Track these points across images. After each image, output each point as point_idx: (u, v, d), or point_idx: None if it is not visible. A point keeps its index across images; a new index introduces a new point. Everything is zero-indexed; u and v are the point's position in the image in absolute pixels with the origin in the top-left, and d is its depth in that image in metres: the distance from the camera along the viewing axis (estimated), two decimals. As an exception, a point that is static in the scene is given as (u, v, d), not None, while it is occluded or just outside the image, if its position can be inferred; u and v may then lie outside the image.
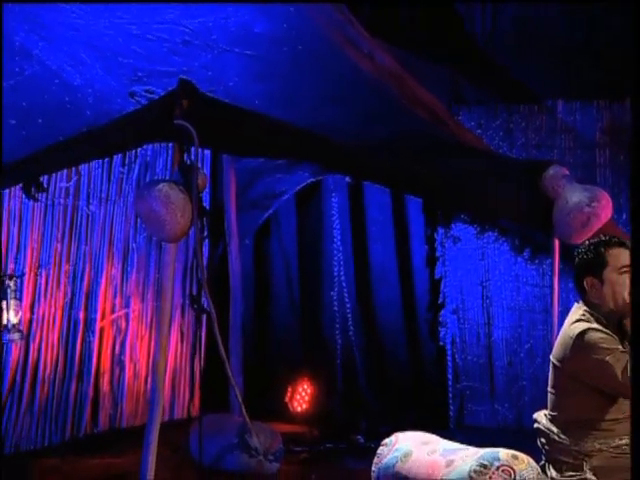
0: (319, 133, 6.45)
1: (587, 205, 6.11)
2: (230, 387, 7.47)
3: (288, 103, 6.79)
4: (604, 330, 4.25)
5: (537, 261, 7.74)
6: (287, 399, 8.84)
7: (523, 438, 4.46)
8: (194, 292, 5.24)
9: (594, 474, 4.19)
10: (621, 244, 4.41)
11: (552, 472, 4.32)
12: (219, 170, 8.60)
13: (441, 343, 8.38)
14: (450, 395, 8.26)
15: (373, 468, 4.37)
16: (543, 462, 4.39)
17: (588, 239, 4.52)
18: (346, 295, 8.79)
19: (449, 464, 4.05)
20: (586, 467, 4.22)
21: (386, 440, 4.41)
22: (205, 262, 8.72)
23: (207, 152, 8.73)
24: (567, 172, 6.56)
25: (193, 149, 5.17)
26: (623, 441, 4.26)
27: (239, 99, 6.43)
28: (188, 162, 5.20)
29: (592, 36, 7.46)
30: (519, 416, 7.99)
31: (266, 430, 7.03)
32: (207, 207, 5.29)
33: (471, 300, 8.25)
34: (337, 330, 8.83)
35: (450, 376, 8.28)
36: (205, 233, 5.24)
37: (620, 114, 7.51)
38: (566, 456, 4.29)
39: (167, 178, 5.30)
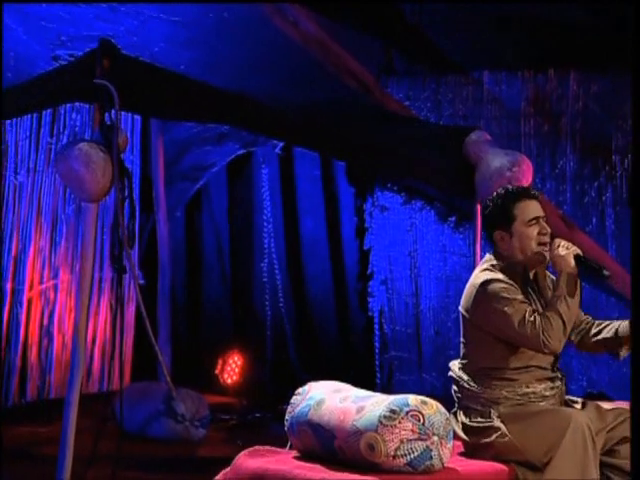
0: (246, 96, 6.48)
1: (508, 169, 6.21)
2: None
3: (214, 69, 6.81)
4: (506, 280, 4.32)
5: (462, 229, 7.82)
6: (218, 371, 8.87)
7: (451, 406, 4.51)
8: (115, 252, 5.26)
9: (501, 420, 4.25)
10: (528, 196, 4.45)
11: (462, 418, 4.40)
12: (149, 141, 8.58)
13: (370, 314, 8.45)
14: (377, 365, 8.33)
15: (286, 417, 4.41)
16: (455, 409, 4.47)
17: (496, 191, 4.53)
18: (276, 267, 8.83)
19: (360, 410, 4.09)
20: (493, 414, 4.29)
21: (300, 389, 4.45)
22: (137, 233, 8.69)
23: (137, 125, 8.70)
24: (489, 137, 6.65)
25: (114, 109, 5.16)
26: (529, 389, 4.35)
27: (164, 65, 6.43)
28: (109, 122, 5.19)
29: (518, 8, 7.54)
30: (447, 385, 8.05)
31: (193, 396, 7.05)
32: (129, 167, 5.30)
33: (399, 270, 8.31)
34: (267, 302, 8.88)
35: (377, 346, 8.34)
36: (126, 193, 5.24)
37: (544, 84, 7.60)
38: (475, 403, 4.36)
39: (87, 138, 5.32)
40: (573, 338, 4.55)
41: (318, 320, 8.85)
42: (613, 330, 4.48)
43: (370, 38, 7.93)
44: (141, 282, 8.60)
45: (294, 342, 8.84)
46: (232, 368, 8.85)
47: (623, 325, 4.46)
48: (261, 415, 7.79)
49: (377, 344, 8.36)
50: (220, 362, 8.86)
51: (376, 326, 8.37)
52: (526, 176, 6.33)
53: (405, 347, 8.33)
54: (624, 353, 4.50)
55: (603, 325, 4.54)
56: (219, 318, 9.03)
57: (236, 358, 8.86)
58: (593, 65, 7.38)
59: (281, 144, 8.48)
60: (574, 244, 4.51)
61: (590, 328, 4.55)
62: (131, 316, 8.30)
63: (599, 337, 4.51)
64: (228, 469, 4.28)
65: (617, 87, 7.35)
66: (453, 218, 7.86)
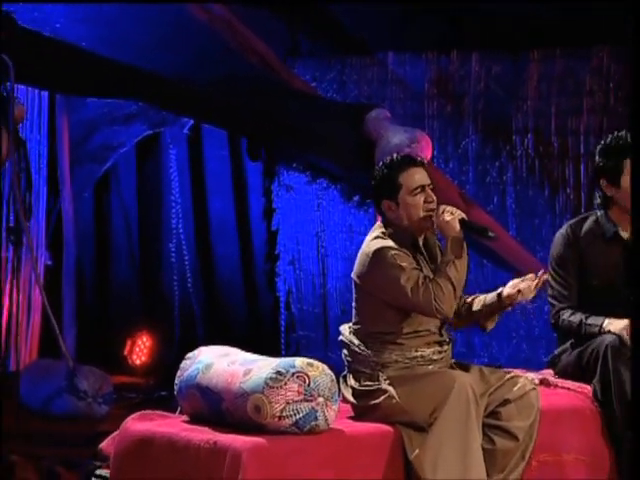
0: (151, 71, 6.50)
1: (407, 146, 6.34)
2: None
3: (118, 47, 6.79)
4: (397, 247, 4.39)
5: (366, 207, 7.90)
6: (126, 352, 8.87)
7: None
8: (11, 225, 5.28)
9: (389, 383, 4.34)
10: (413, 164, 4.50)
11: (352, 382, 4.48)
12: (57, 122, 8.54)
13: (278, 294, 8.51)
14: (283, 344, 8.39)
15: (176, 381, 4.44)
16: (345, 373, 4.55)
17: (383, 161, 4.59)
18: (184, 247, 8.84)
19: (247, 373, 4.15)
20: (382, 377, 4.37)
21: (189, 354, 4.49)
22: (44, 215, 8.66)
23: (45, 104, 8.65)
24: (389, 115, 6.76)
25: (10, 81, 5.16)
26: (418, 353, 4.44)
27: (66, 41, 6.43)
28: (5, 93, 5.19)
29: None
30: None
31: (96, 373, 7.06)
32: (24, 138, 5.31)
33: (307, 251, 8.39)
34: (175, 282, 8.89)
35: (283, 325, 8.42)
36: (23, 165, 5.25)
37: (447, 66, 7.71)
38: (365, 367, 4.44)
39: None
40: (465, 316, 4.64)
41: (226, 300, 8.88)
42: (481, 304, 4.58)
43: (276, 19, 7.98)
44: (48, 262, 8.59)
45: (202, 322, 8.87)
46: (140, 349, 8.86)
47: (489, 297, 4.57)
48: (166, 393, 7.79)
49: (283, 323, 8.43)
50: (129, 343, 8.86)
51: (282, 305, 8.44)
52: (425, 152, 6.45)
53: (312, 326, 8.41)
54: (490, 325, 4.61)
55: (471, 299, 4.64)
56: (128, 299, 9.02)
57: (145, 339, 8.87)
58: (494, 46, 7.50)
59: (189, 124, 8.48)
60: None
61: (462, 303, 4.63)
62: (38, 295, 8.25)
63: (471, 311, 4.60)
64: (116, 433, 4.32)
65: (517, 68, 7.49)
66: (357, 197, 7.94)
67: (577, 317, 4.95)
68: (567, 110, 7.35)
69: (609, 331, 4.83)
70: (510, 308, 4.59)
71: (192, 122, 8.45)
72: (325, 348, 8.28)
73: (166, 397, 7.76)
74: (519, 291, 4.48)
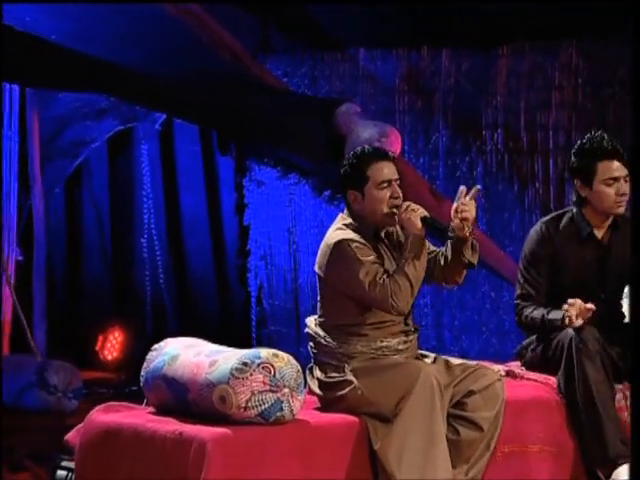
0: (121, 66, 6.51)
1: (377, 140, 6.38)
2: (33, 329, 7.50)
3: (86, 41, 6.80)
4: (359, 240, 4.40)
5: (337, 202, 7.92)
6: (98, 347, 8.86)
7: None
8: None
9: (354, 375, 4.35)
10: (383, 157, 4.51)
11: (318, 374, 4.49)
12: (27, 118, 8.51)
13: (249, 289, 8.52)
14: (255, 339, 8.41)
15: (142, 373, 4.46)
16: (311, 365, 4.56)
17: (353, 151, 4.61)
18: (156, 243, 8.84)
19: (213, 364, 4.16)
20: (347, 369, 4.38)
21: (156, 346, 4.51)
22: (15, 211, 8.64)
23: (16, 101, 8.62)
24: (359, 109, 6.79)
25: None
26: (384, 343, 4.45)
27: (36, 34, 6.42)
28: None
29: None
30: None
31: (66, 368, 7.08)
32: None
33: (278, 246, 8.41)
34: (147, 277, 8.89)
35: (254, 320, 8.43)
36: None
37: (418, 61, 7.74)
38: (331, 358, 4.45)
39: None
40: (436, 279, 4.56)
41: (198, 295, 8.89)
42: (450, 249, 4.45)
43: (247, 15, 7.99)
44: (19, 258, 8.57)
45: (174, 317, 8.87)
46: (112, 344, 8.85)
47: (449, 242, 4.46)
48: (137, 388, 7.78)
49: (254, 318, 8.45)
50: (100, 338, 8.85)
51: (253, 300, 8.45)
52: (394, 147, 6.49)
53: (284, 321, 8.43)
54: (473, 257, 4.44)
55: (442, 252, 4.54)
56: (99, 294, 9.01)
57: (116, 334, 8.86)
58: (464, 42, 7.54)
59: (161, 120, 8.49)
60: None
61: (437, 260, 4.54)
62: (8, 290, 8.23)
63: (448, 261, 4.48)
64: (81, 425, 4.32)
65: (487, 64, 7.53)
66: (328, 192, 7.96)
67: (539, 312, 4.96)
68: (536, 105, 7.40)
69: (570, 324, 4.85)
70: (468, 236, 4.40)
71: (164, 117, 8.46)
72: (297, 343, 8.30)
73: (137, 392, 7.74)
74: (456, 213, 4.42)
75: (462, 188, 4.51)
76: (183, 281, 8.93)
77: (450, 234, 4.44)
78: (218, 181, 8.78)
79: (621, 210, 4.99)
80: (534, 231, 5.13)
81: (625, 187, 4.92)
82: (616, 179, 4.94)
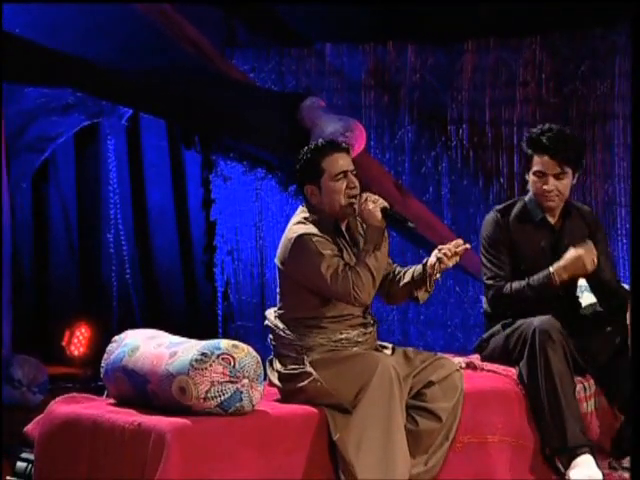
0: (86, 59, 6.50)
1: (341, 134, 6.39)
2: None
3: (52, 35, 6.79)
4: (319, 233, 4.43)
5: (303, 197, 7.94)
6: (65, 343, 8.83)
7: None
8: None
9: (313, 366, 4.37)
10: (337, 149, 4.52)
11: (277, 366, 4.52)
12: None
13: (216, 284, 8.52)
14: (221, 334, 8.41)
15: (102, 364, 4.47)
16: (271, 357, 4.58)
17: (307, 145, 4.62)
18: (123, 238, 8.81)
19: (173, 355, 4.18)
20: (306, 360, 4.40)
21: (116, 337, 4.51)
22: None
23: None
24: (323, 104, 6.81)
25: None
26: (343, 335, 4.48)
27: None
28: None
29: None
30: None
31: (31, 363, 7.06)
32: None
33: (245, 241, 8.42)
34: (114, 273, 8.86)
35: (221, 315, 8.44)
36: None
37: (384, 57, 7.76)
38: (290, 351, 4.48)
39: None
40: (381, 291, 4.64)
41: (165, 291, 8.88)
42: (409, 276, 4.61)
43: (213, 9, 7.99)
44: (-14, 253, 8.53)
45: (141, 313, 8.85)
46: (79, 339, 8.81)
47: (417, 269, 4.60)
48: (103, 383, 7.78)
49: (220, 313, 8.46)
50: (67, 333, 8.82)
51: (219, 295, 8.45)
52: (359, 141, 6.51)
53: (250, 316, 8.44)
54: (423, 296, 4.63)
55: (402, 272, 4.66)
56: (66, 290, 8.98)
57: (83, 330, 8.82)
58: (429, 38, 7.57)
59: (127, 115, 8.46)
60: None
61: (394, 277, 4.66)
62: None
63: (400, 284, 4.63)
64: (41, 416, 4.32)
65: (452, 59, 7.56)
66: (294, 187, 7.96)
67: (521, 282, 5.01)
68: (501, 101, 7.43)
69: (558, 271, 4.91)
70: (438, 277, 4.56)
71: (130, 113, 8.43)
72: (263, 338, 8.21)
73: (103, 387, 7.75)
74: (439, 259, 4.50)
75: (460, 242, 4.52)
76: (150, 276, 8.91)
77: (410, 224, 4.48)
78: (185, 176, 8.78)
79: (550, 204, 5.05)
80: (489, 217, 5.21)
81: (553, 183, 5.00)
82: (544, 174, 5.01)
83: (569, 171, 5.02)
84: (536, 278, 4.97)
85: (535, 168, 5.03)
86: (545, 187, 5.00)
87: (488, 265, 5.13)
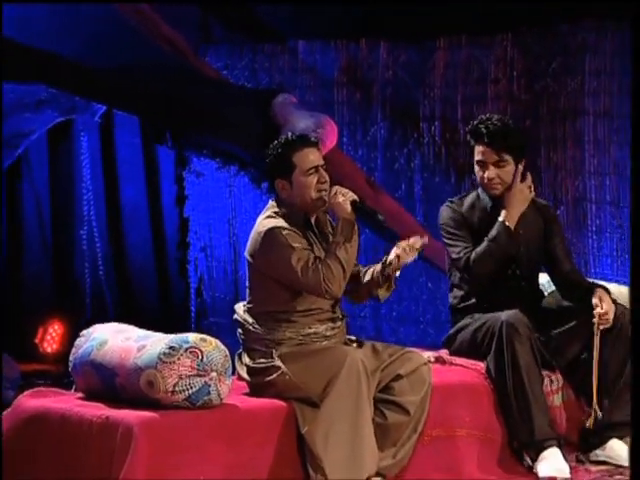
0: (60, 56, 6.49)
1: (313, 131, 6.40)
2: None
3: (24, 30, 6.77)
4: (289, 227, 4.46)
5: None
6: (38, 340, 8.82)
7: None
8: None
9: (282, 360, 4.39)
10: (307, 144, 4.54)
11: (246, 360, 4.54)
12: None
13: (190, 281, 8.52)
14: (194, 330, 8.39)
15: (70, 358, 4.49)
16: (240, 351, 4.60)
17: (277, 140, 4.63)
18: (96, 235, 8.80)
19: (141, 349, 4.19)
20: (275, 354, 4.42)
21: (84, 331, 4.53)
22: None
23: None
24: (295, 100, 6.82)
25: None
26: (312, 330, 4.51)
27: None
28: None
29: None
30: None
31: (3, 359, 7.02)
32: None
33: (219, 238, 8.42)
34: (87, 270, 8.85)
35: (194, 311, 8.44)
36: None
37: (356, 54, 7.78)
38: (259, 345, 4.50)
39: None
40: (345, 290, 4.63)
41: (138, 288, 8.87)
42: (370, 274, 4.65)
43: (187, 6, 7.99)
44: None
45: (114, 309, 8.84)
46: (52, 336, 8.81)
47: (377, 267, 4.63)
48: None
49: (194, 309, 8.46)
50: (40, 330, 8.81)
51: (193, 292, 8.46)
52: (330, 137, 6.53)
53: (224, 313, 8.40)
54: (383, 294, 4.66)
55: (364, 271, 4.70)
56: (39, 286, 8.96)
57: (56, 326, 8.82)
58: (401, 35, 7.59)
59: (100, 112, 8.45)
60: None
61: (357, 276, 4.69)
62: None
63: (363, 282, 4.66)
64: (9, 410, 4.32)
65: (424, 56, 7.58)
66: (267, 183, 7.97)
67: (482, 245, 5.05)
68: (473, 97, 7.45)
69: (505, 215, 5.02)
70: (397, 273, 4.59)
71: (104, 109, 8.40)
72: (236, 334, 8.31)
73: (73, 382, 7.75)
74: (397, 255, 4.54)
75: (418, 237, 4.58)
76: (123, 273, 8.90)
77: (380, 217, 4.52)
78: (158, 173, 8.76)
79: (494, 192, 5.13)
80: (444, 206, 5.30)
81: (494, 171, 5.08)
82: (484, 163, 5.10)
83: (509, 159, 5.09)
84: (492, 232, 5.03)
85: (476, 157, 5.14)
86: (486, 175, 5.07)
87: (452, 243, 5.18)
